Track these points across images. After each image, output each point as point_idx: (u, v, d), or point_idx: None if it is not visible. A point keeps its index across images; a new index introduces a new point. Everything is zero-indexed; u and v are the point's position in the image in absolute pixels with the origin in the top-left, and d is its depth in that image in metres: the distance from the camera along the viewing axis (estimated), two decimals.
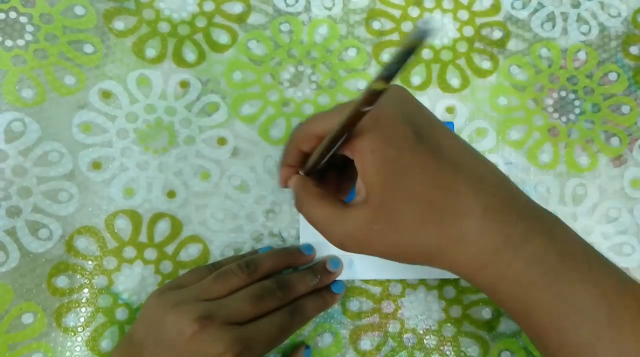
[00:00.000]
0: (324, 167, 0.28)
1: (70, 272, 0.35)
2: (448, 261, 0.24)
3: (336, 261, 0.35)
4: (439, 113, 0.39)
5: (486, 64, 0.40)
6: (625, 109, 0.40)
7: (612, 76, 0.40)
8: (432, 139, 0.24)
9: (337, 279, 0.36)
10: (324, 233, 0.26)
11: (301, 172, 0.29)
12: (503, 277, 0.24)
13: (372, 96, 0.20)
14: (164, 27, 0.39)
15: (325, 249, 0.36)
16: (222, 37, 0.39)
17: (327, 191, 0.27)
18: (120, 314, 0.35)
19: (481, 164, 0.25)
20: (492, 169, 0.25)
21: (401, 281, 0.37)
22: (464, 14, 0.41)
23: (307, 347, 0.35)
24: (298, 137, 0.28)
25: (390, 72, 0.18)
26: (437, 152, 0.24)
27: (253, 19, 0.39)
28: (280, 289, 0.32)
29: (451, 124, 0.39)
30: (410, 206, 0.24)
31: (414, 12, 0.40)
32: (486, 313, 0.36)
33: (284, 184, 0.30)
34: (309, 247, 0.36)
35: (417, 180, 0.24)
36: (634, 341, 0.22)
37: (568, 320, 0.23)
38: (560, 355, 0.23)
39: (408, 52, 0.17)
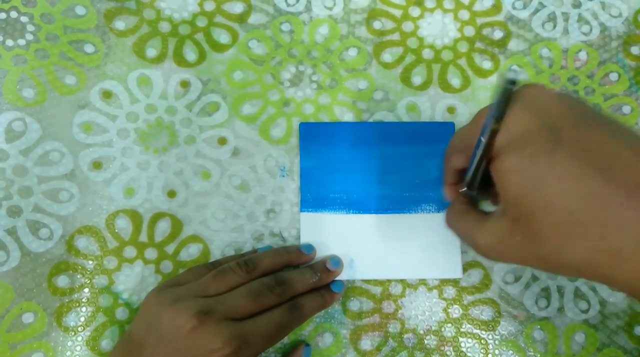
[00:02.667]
0: (479, 182, 0.28)
1: (71, 271, 0.35)
2: (601, 276, 0.22)
3: (336, 260, 0.35)
4: (440, 113, 0.39)
5: (487, 64, 0.40)
6: (626, 109, 0.40)
7: (613, 76, 0.40)
8: (575, 141, 0.22)
9: (338, 278, 0.36)
10: (468, 244, 0.26)
11: (461, 188, 0.30)
12: None
13: (493, 135, 0.22)
14: (164, 27, 0.39)
15: (325, 248, 0.36)
16: (223, 37, 0.39)
17: (488, 201, 0.28)
18: (121, 313, 0.35)
19: (638, 160, 0.21)
20: None
21: (401, 281, 0.37)
22: (464, 14, 0.41)
23: (307, 345, 0.35)
24: (447, 156, 0.29)
25: (500, 117, 0.22)
26: (580, 156, 0.21)
27: (254, 18, 0.39)
28: (279, 286, 0.32)
29: (452, 124, 0.39)
30: (549, 217, 0.21)
31: (414, 12, 0.40)
32: (486, 313, 0.36)
33: (451, 198, 0.31)
34: (309, 247, 0.36)
35: (555, 189, 0.21)
36: None
37: None
38: None
39: (504, 101, 0.21)
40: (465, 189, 0.29)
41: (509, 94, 0.21)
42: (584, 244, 0.21)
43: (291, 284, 0.33)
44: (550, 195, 0.21)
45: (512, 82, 0.20)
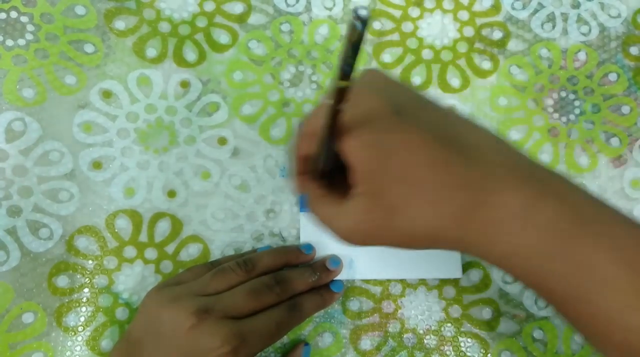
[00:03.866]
0: (330, 167, 0.28)
1: (71, 271, 0.35)
2: (453, 240, 0.22)
3: (336, 260, 0.35)
4: None
5: (486, 65, 0.40)
6: (625, 109, 0.40)
7: (612, 76, 0.40)
8: (416, 114, 0.23)
9: (337, 278, 0.36)
10: (331, 232, 0.26)
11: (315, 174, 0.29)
12: (516, 252, 0.21)
13: (340, 94, 0.20)
14: (164, 27, 0.39)
15: (325, 248, 0.36)
16: (223, 37, 0.39)
17: (339, 188, 0.27)
18: (121, 313, 0.35)
19: (477, 131, 0.23)
20: (488, 136, 0.23)
21: (401, 281, 0.37)
22: (464, 15, 0.41)
23: (307, 344, 0.35)
24: (294, 144, 0.28)
25: (346, 71, 0.18)
26: (423, 127, 0.22)
27: (254, 19, 0.39)
28: (279, 284, 0.32)
29: None
30: (401, 187, 0.22)
31: (414, 12, 0.40)
32: (486, 313, 0.36)
33: (301, 190, 0.30)
34: (309, 247, 0.36)
35: (404, 159, 0.22)
36: None
37: (592, 291, 0.21)
38: (591, 328, 0.22)
39: (355, 47, 0.17)
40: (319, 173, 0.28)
41: (359, 37, 0.17)
42: (433, 209, 0.22)
43: (290, 283, 0.33)
44: (401, 166, 0.22)
45: (362, 21, 0.16)
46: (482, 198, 0.21)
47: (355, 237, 0.24)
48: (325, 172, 0.27)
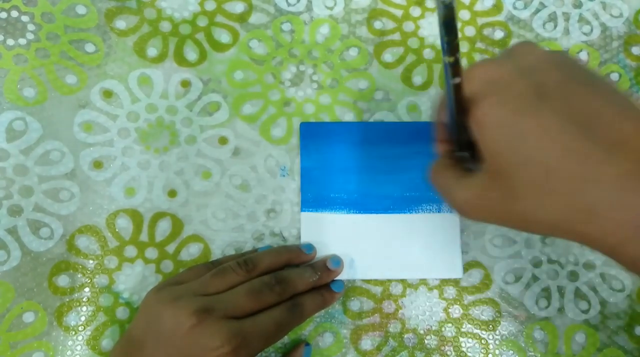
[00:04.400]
0: (467, 139, 0.27)
1: (71, 271, 0.35)
2: (576, 234, 0.22)
3: (337, 260, 0.35)
4: None
5: None
6: None
7: (614, 77, 0.40)
8: (559, 98, 0.22)
9: (338, 278, 0.36)
10: (447, 201, 0.26)
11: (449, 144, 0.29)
12: None
13: (453, 68, 0.20)
14: (165, 26, 0.39)
15: (326, 248, 0.36)
16: (224, 37, 0.39)
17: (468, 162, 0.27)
18: (121, 313, 0.35)
19: (627, 123, 0.21)
20: (636, 130, 0.21)
21: (402, 281, 0.37)
22: (465, 14, 0.41)
23: (307, 344, 0.35)
24: (436, 110, 0.28)
25: (446, 48, 0.19)
26: (565, 113, 0.21)
27: (254, 18, 0.39)
28: (279, 284, 0.32)
29: None
30: (528, 173, 0.21)
31: (415, 11, 0.40)
32: (487, 313, 0.36)
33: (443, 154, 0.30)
34: (310, 246, 0.36)
35: (536, 145, 0.21)
36: None
37: None
38: None
39: (446, 25, 0.18)
40: (455, 148, 0.28)
41: (448, 15, 0.18)
42: (561, 200, 0.21)
43: (291, 282, 0.33)
44: (531, 150, 0.21)
45: (448, 6, 0.17)
46: (615, 196, 0.20)
47: (471, 211, 0.24)
48: (462, 147, 0.27)
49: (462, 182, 0.25)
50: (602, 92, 0.22)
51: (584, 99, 0.22)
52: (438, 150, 0.29)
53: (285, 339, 0.36)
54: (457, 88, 0.22)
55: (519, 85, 0.22)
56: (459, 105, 0.23)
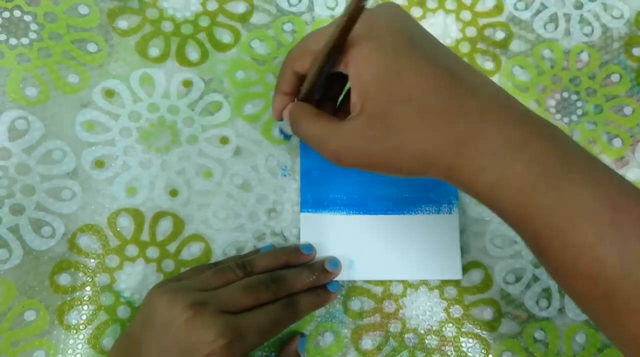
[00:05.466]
0: (318, 98, 0.28)
1: (73, 270, 0.35)
2: (445, 166, 0.24)
3: (335, 262, 0.35)
4: None
5: (489, 65, 0.40)
6: (627, 110, 0.40)
7: (615, 77, 0.40)
8: (428, 47, 0.25)
9: (337, 279, 0.36)
10: (319, 149, 0.26)
11: (301, 95, 0.29)
12: (502, 181, 0.23)
13: (356, 10, 0.21)
14: (167, 26, 0.39)
15: (325, 249, 0.36)
16: (225, 37, 0.39)
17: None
18: (122, 312, 0.35)
19: (477, 74, 0.25)
20: (488, 80, 0.25)
21: (402, 281, 0.37)
22: (466, 15, 0.41)
23: (303, 335, 0.35)
24: (292, 57, 0.28)
25: None
26: (433, 58, 0.24)
27: (256, 18, 0.39)
28: (275, 282, 0.32)
29: None
30: (405, 108, 0.23)
31: (416, 12, 0.40)
32: (487, 313, 0.36)
33: (278, 115, 0.30)
34: (309, 247, 0.36)
35: (412, 82, 0.23)
36: (636, 242, 0.21)
37: (570, 222, 0.22)
38: (561, 258, 0.23)
39: None
40: (303, 96, 0.28)
41: None
42: (434, 131, 0.23)
43: (287, 281, 0.33)
44: (407, 87, 0.23)
45: None
46: (479, 127, 0.23)
47: (347, 156, 0.25)
48: (311, 96, 0.28)
49: (335, 129, 0.25)
50: (448, 49, 0.26)
51: (444, 52, 0.25)
52: (277, 103, 0.30)
53: (285, 339, 0.36)
54: (349, 30, 0.23)
55: (396, 33, 0.24)
56: (340, 43, 0.24)
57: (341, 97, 0.31)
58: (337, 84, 0.30)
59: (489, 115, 0.23)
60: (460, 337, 0.36)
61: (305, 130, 0.27)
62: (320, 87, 0.27)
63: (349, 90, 0.30)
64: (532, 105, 0.39)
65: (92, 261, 0.35)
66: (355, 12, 0.22)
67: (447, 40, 0.40)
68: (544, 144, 0.23)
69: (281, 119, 0.30)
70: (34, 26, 0.37)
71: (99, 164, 0.37)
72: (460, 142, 0.23)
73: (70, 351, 0.34)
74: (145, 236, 0.36)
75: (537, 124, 0.24)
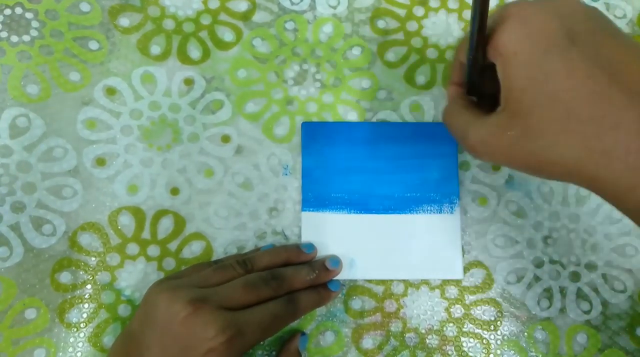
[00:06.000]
0: (480, 92, 0.27)
1: (74, 268, 0.35)
2: (588, 177, 0.22)
3: (336, 260, 0.35)
4: None
5: None
6: None
7: None
8: (589, 45, 0.22)
9: (338, 278, 0.36)
10: (459, 140, 0.26)
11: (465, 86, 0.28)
12: None
13: None
14: (169, 24, 0.39)
15: (326, 248, 0.36)
16: (227, 35, 0.39)
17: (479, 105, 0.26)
18: (123, 310, 0.35)
19: None
20: None
21: (404, 280, 0.37)
22: (469, 14, 0.41)
23: (303, 334, 0.35)
24: (458, 47, 0.27)
25: None
26: (592, 58, 0.22)
27: (258, 17, 0.39)
28: (275, 279, 0.32)
29: None
30: (550, 112, 0.22)
31: (419, 11, 0.40)
32: (488, 313, 0.36)
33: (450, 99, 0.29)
34: (310, 246, 0.36)
35: (562, 85, 0.21)
36: None
37: None
38: None
39: None
40: (468, 89, 0.28)
41: None
42: (578, 141, 0.21)
43: (287, 279, 0.33)
44: (555, 90, 0.22)
45: None
46: (632, 142, 0.21)
47: (485, 151, 0.24)
48: (474, 92, 0.27)
49: (477, 122, 0.25)
50: (628, 46, 0.23)
51: (611, 49, 0.22)
52: (450, 93, 0.29)
53: (281, 333, 0.36)
54: (485, 8, 0.22)
55: (552, 27, 0.22)
56: (483, 29, 0.23)
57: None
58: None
59: None
60: (461, 337, 0.36)
61: (450, 121, 0.26)
62: (479, 78, 0.26)
63: None
64: None
65: (93, 259, 0.35)
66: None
67: (449, 39, 0.40)
68: None
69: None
70: (35, 23, 0.37)
71: (100, 162, 0.36)
72: (608, 156, 0.21)
73: (70, 349, 0.34)
74: (146, 234, 0.36)
75: None
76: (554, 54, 0.22)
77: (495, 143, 0.24)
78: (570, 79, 0.21)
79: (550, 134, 0.22)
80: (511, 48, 0.22)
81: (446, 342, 0.36)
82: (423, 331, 0.36)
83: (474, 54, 0.25)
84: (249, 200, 0.37)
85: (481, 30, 0.23)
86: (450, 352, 0.36)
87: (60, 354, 0.34)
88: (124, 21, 0.38)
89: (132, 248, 0.36)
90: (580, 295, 0.37)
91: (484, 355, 0.36)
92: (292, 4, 0.40)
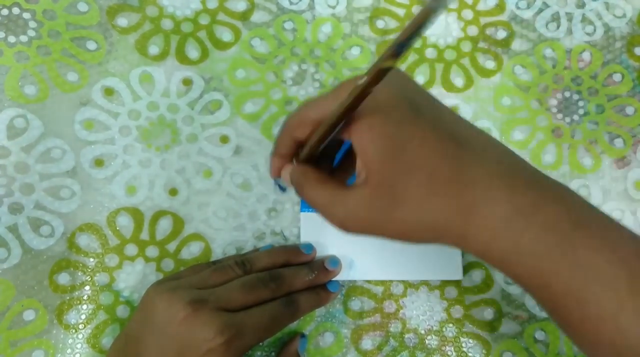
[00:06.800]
0: (315, 159, 0.28)
1: (72, 269, 0.35)
2: (456, 235, 0.23)
3: (335, 261, 0.35)
4: None
5: (490, 64, 0.40)
6: (629, 110, 0.40)
7: (617, 77, 0.40)
8: (431, 114, 0.24)
9: (337, 279, 0.36)
10: (326, 216, 0.26)
11: (295, 162, 0.29)
12: (516, 249, 0.22)
13: (379, 75, 0.20)
14: (167, 24, 0.39)
15: (325, 249, 0.36)
16: (226, 35, 0.39)
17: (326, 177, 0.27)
18: (122, 311, 0.35)
19: (483, 135, 0.25)
20: (494, 142, 0.25)
21: (403, 281, 0.36)
22: (468, 14, 0.40)
23: (303, 336, 0.35)
24: (292, 125, 0.27)
25: (400, 49, 0.18)
26: (437, 125, 0.23)
27: (257, 16, 0.39)
28: (274, 280, 0.32)
29: None
30: (412, 178, 0.23)
31: (418, 11, 0.40)
32: (488, 314, 0.36)
33: (276, 173, 0.30)
34: (309, 246, 0.36)
35: (417, 152, 0.23)
36: None
37: (588, 290, 0.21)
38: (581, 329, 0.22)
39: (420, 26, 0.16)
40: (297, 163, 0.28)
41: (428, 18, 0.16)
42: (442, 202, 0.23)
43: (286, 280, 0.33)
44: (413, 157, 0.23)
45: (437, 6, 0.15)
46: (488, 195, 0.22)
47: (354, 225, 0.25)
48: (311, 158, 0.27)
49: (341, 197, 0.25)
50: (453, 113, 0.25)
51: (448, 115, 0.25)
52: (275, 164, 0.29)
53: (285, 338, 0.35)
54: (364, 96, 0.22)
55: (398, 100, 0.24)
56: (342, 119, 0.23)
57: (339, 156, 0.31)
58: (335, 142, 0.29)
59: (497, 182, 0.22)
60: (460, 338, 0.36)
61: (310, 197, 0.26)
62: (323, 153, 0.27)
63: (347, 150, 0.29)
64: (533, 105, 0.39)
65: (92, 260, 0.35)
66: (360, 95, 0.21)
67: (448, 39, 0.40)
68: (555, 208, 0.22)
69: (279, 177, 0.30)
70: (32, 24, 0.37)
71: (99, 162, 0.36)
72: (469, 212, 0.22)
73: (69, 351, 0.34)
74: (144, 235, 0.36)
75: (546, 187, 0.23)
76: (405, 125, 0.23)
77: (364, 216, 0.24)
78: (423, 146, 0.23)
79: (416, 199, 0.23)
80: (367, 125, 0.23)
81: (446, 343, 0.36)
82: (422, 332, 0.36)
83: (331, 135, 0.25)
84: (247, 200, 0.37)
85: (341, 120, 0.24)
86: (449, 353, 0.36)
87: (59, 355, 0.34)
88: (122, 21, 0.38)
89: (131, 249, 0.36)
90: None
91: (483, 355, 0.36)
92: (291, 3, 0.40)
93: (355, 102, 0.22)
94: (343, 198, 0.25)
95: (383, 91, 0.24)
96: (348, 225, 0.25)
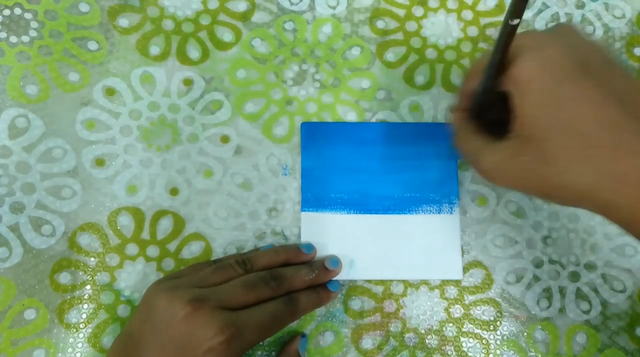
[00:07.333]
0: (491, 119, 0.27)
1: (73, 268, 0.35)
2: (602, 203, 0.22)
3: (335, 260, 0.35)
4: (443, 113, 0.39)
5: None
6: None
7: None
8: (601, 75, 0.23)
9: (338, 278, 0.36)
10: (473, 165, 0.26)
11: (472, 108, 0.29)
12: None
13: (518, 5, 0.20)
14: (168, 24, 0.39)
15: (326, 248, 0.36)
16: (226, 35, 0.39)
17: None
18: (122, 310, 0.35)
19: None
20: None
21: (403, 281, 0.37)
22: (468, 14, 0.41)
23: (304, 336, 0.35)
24: (465, 75, 0.28)
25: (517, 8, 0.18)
26: (604, 88, 0.22)
27: (257, 17, 0.39)
28: (274, 280, 0.32)
29: None
30: (563, 138, 0.22)
31: (418, 11, 0.40)
32: (488, 313, 0.36)
33: (455, 125, 0.30)
34: (309, 246, 0.36)
35: (576, 112, 0.22)
36: None
37: None
38: None
39: None
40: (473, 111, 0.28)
41: None
42: (592, 167, 0.22)
43: (286, 279, 0.33)
44: (569, 117, 0.22)
45: None
46: None
47: (499, 176, 0.25)
48: (484, 121, 0.28)
49: (490, 147, 0.25)
50: (632, 78, 0.24)
51: (621, 81, 0.23)
52: (455, 119, 0.29)
53: (285, 338, 0.35)
54: (512, 32, 0.22)
55: (565, 57, 0.23)
56: (502, 59, 0.23)
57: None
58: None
59: None
60: (460, 337, 0.36)
61: (462, 146, 0.27)
62: (489, 105, 0.27)
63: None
64: None
65: (92, 259, 0.35)
66: (510, 30, 0.21)
67: (448, 40, 0.40)
68: None
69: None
70: (34, 24, 0.37)
71: (100, 162, 0.36)
72: (621, 181, 0.22)
73: (70, 350, 0.34)
74: (145, 235, 0.36)
75: None
76: (568, 83, 0.22)
77: (509, 168, 0.24)
78: (584, 106, 0.22)
79: (564, 160, 0.22)
80: (526, 76, 0.23)
81: (446, 343, 0.36)
82: (422, 331, 0.36)
83: (492, 82, 0.25)
84: (248, 200, 0.37)
85: (502, 61, 0.24)
86: (449, 353, 0.36)
87: (60, 354, 0.34)
88: (123, 21, 0.38)
89: (132, 248, 0.36)
90: (579, 295, 0.37)
91: (483, 355, 0.36)
92: (292, 4, 0.40)
93: (504, 40, 0.22)
94: (492, 149, 0.25)
95: (551, 46, 0.23)
96: (494, 176, 0.25)
